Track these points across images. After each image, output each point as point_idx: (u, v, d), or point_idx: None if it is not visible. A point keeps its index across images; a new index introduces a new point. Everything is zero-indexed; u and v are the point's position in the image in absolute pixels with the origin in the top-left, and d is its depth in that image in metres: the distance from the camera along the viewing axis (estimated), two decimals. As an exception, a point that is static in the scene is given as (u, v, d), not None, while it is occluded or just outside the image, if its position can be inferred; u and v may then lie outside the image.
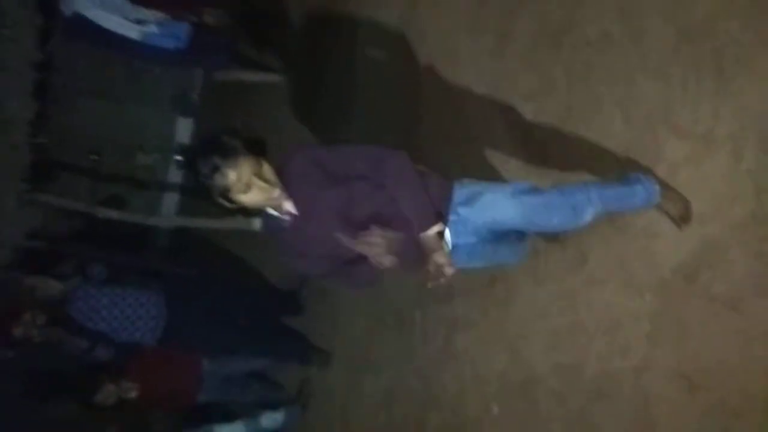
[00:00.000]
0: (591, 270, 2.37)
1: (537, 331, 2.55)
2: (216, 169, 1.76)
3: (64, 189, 4.82)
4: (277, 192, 1.85)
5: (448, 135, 3.03)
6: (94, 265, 3.44)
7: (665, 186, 2.11)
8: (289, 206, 1.92)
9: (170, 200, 5.56)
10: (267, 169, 1.83)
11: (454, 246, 1.98)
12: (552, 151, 2.59)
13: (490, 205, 1.92)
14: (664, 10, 2.25)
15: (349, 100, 3.75)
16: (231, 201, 1.82)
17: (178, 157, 5.45)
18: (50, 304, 3.05)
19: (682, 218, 2.09)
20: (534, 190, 1.96)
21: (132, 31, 3.82)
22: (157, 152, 5.42)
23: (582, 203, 1.95)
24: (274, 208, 1.93)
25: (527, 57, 2.73)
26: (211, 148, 1.80)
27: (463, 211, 1.92)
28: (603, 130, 2.40)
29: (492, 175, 2.71)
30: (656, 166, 2.21)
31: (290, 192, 1.90)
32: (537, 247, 2.56)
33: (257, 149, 1.84)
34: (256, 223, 4.34)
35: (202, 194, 1.85)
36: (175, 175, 5.57)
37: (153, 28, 3.86)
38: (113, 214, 4.65)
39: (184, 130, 5.62)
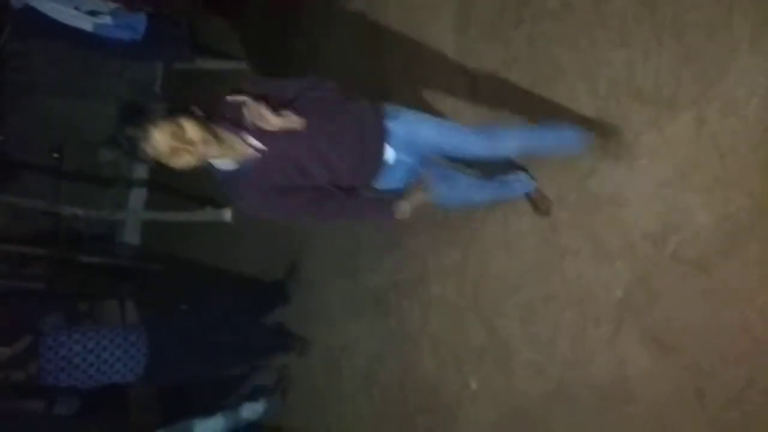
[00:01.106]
0: (562, 240, 2.38)
1: (511, 305, 2.56)
2: (132, 144, 1.72)
3: (25, 188, 4.68)
4: (212, 148, 1.78)
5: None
6: (44, 320, 3.27)
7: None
8: (251, 142, 1.85)
9: (137, 195, 5.45)
10: (190, 128, 1.73)
11: (395, 161, 2.03)
12: (516, 123, 2.58)
13: (412, 122, 2.04)
14: (622, -23, 2.25)
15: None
16: (170, 168, 1.78)
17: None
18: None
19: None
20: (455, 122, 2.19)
21: (85, 23, 3.71)
22: (120, 147, 5.29)
23: (499, 133, 2.17)
24: (232, 157, 1.85)
25: (489, 29, 2.71)
26: (125, 121, 1.77)
27: (389, 124, 2.00)
28: (567, 98, 2.40)
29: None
30: (620, 132, 2.22)
31: (248, 126, 1.85)
32: (507, 220, 2.57)
33: (179, 110, 1.76)
34: (227, 215, 4.28)
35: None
36: (141, 170, 5.46)
37: (107, 20, 3.75)
38: (79, 211, 4.54)
39: (146, 123, 5.50)
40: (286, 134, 1.86)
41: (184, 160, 1.75)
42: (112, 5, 3.77)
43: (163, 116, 1.72)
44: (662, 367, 2.10)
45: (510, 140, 2.15)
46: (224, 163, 1.87)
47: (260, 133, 1.85)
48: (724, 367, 1.97)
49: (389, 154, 2.01)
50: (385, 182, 2.06)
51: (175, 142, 1.72)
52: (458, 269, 2.78)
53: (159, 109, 1.75)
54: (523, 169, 2.45)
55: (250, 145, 1.85)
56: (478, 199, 2.42)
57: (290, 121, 1.86)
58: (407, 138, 2.02)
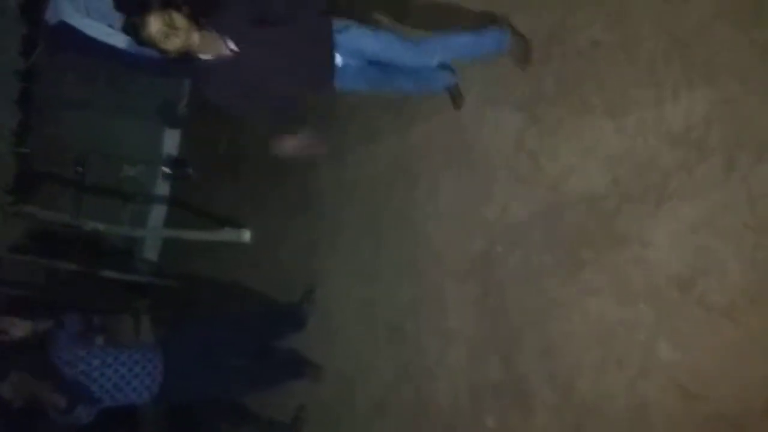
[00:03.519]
0: (585, 278, 2.35)
1: (531, 340, 2.52)
2: (134, 27, 2.23)
3: (48, 201, 4.74)
4: (195, 35, 2.25)
5: (441, 144, 3.01)
6: (68, 315, 3.30)
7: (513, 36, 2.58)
8: (229, 44, 2.31)
9: (157, 212, 5.49)
10: (177, 18, 2.22)
11: (342, 66, 2.49)
12: (542, 162, 2.57)
13: (356, 35, 2.46)
14: (655, 17, 2.25)
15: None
16: (165, 51, 2.25)
17: (166, 169, 5.39)
18: (25, 348, 2.88)
19: (523, 59, 2.61)
20: (395, 34, 2.57)
21: (118, 40, 3.79)
22: (144, 164, 5.35)
23: (431, 48, 2.54)
24: (210, 50, 2.31)
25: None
26: (128, 11, 2.37)
27: (337, 38, 2.44)
28: (595, 138, 2.39)
29: (480, 183, 2.69)
30: (648, 174, 2.20)
31: (229, 32, 2.30)
32: (529, 254, 2.54)
33: (170, 4, 2.24)
34: (246, 235, 4.30)
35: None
36: (162, 187, 5.50)
37: (140, 38, 3.81)
38: (99, 226, 4.58)
39: (171, 141, 5.56)
40: (259, 45, 2.34)
41: (172, 43, 2.22)
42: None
43: (156, 7, 2.21)
44: (685, 413, 2.05)
45: (439, 46, 2.55)
46: (204, 53, 2.33)
47: (239, 38, 2.32)
48: (749, 419, 1.92)
49: (338, 60, 2.47)
50: (340, 81, 2.50)
51: (165, 27, 2.21)
52: (477, 302, 2.75)
53: (156, 2, 2.23)
54: (450, 68, 2.73)
55: (228, 47, 2.32)
56: (405, 86, 2.70)
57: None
58: (353, 48, 2.46)
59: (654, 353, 2.15)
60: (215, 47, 2.32)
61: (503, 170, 2.70)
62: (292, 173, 4.02)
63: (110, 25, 3.89)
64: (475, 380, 2.73)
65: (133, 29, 2.25)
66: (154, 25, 2.21)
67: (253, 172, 4.50)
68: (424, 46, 2.54)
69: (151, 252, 5.54)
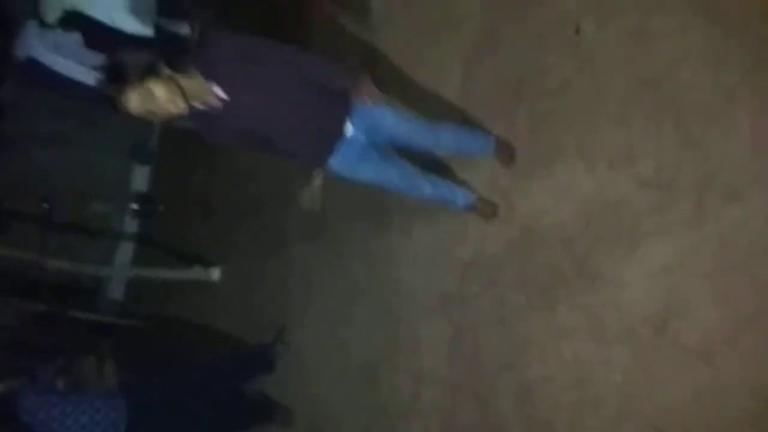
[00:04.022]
0: (559, 320, 2.33)
1: (506, 383, 2.48)
2: (112, 102, 2.01)
3: (12, 238, 4.60)
4: (180, 101, 2.03)
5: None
6: (45, 369, 3.19)
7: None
8: (217, 91, 2.09)
9: (125, 250, 5.37)
10: (160, 91, 2.00)
11: (350, 139, 2.26)
12: (515, 202, 2.57)
13: (378, 109, 2.25)
14: (623, 59, 2.29)
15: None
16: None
17: (134, 206, 5.29)
18: None
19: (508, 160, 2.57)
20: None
21: (87, 77, 3.74)
22: (112, 201, 5.25)
23: (441, 131, 2.45)
24: (200, 101, 2.09)
25: (489, 104, 2.74)
26: (105, 83, 2.06)
27: (356, 106, 2.24)
28: (567, 180, 2.40)
29: (453, 226, 2.68)
30: (620, 215, 2.21)
31: (217, 76, 2.09)
32: (503, 295, 2.52)
33: (144, 73, 1.99)
34: (215, 274, 4.21)
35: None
36: (131, 224, 5.39)
37: (110, 75, 3.78)
38: (65, 264, 4.45)
39: (140, 178, 5.48)
40: (251, 92, 2.13)
41: (158, 119, 2.07)
42: (116, 61, 3.81)
43: (136, 80, 1.98)
44: (663, 457, 2.02)
45: (449, 135, 2.48)
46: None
47: (228, 85, 2.10)
48: (727, 461, 1.90)
49: (349, 129, 2.25)
50: (341, 159, 2.26)
51: (147, 104, 2.01)
52: (452, 344, 2.71)
53: (135, 69, 1.98)
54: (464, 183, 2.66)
55: (216, 96, 2.10)
56: (422, 191, 2.47)
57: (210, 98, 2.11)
58: (367, 117, 2.26)
59: (630, 395, 2.12)
60: (203, 97, 2.10)
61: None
62: (265, 212, 3.97)
63: (79, 61, 3.84)
64: (450, 422, 2.67)
65: (111, 103, 2.04)
66: (134, 106, 2.01)
67: (225, 210, 4.44)
68: (440, 129, 2.44)
69: (117, 291, 5.40)
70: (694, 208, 2.03)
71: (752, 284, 1.90)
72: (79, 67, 3.76)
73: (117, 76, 2.01)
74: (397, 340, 2.96)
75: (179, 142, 4.88)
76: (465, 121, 2.75)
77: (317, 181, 2.28)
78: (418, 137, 2.40)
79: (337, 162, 2.26)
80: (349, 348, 3.19)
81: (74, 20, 3.67)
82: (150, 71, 2.01)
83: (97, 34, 3.69)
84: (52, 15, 3.63)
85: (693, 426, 1.99)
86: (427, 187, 2.45)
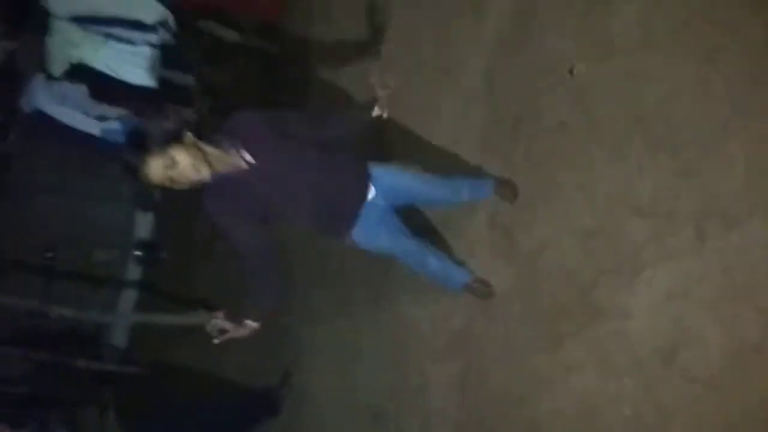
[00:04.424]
0: (567, 353, 2.33)
1: (515, 419, 2.47)
2: (133, 171, 1.99)
3: (15, 285, 4.60)
4: (204, 171, 2.03)
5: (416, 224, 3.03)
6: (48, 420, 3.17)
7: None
8: (245, 156, 2.10)
9: (128, 297, 5.35)
10: (183, 159, 1.99)
11: (370, 203, 2.30)
12: (516, 238, 2.60)
13: (396, 171, 2.39)
14: (617, 98, 2.35)
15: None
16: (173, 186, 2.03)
17: (137, 253, 5.31)
18: None
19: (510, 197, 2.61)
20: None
21: (93, 127, 3.82)
22: (115, 248, 5.27)
23: (459, 183, 2.56)
24: (224, 166, 2.08)
25: (487, 142, 2.80)
26: (128, 152, 2.02)
27: (376, 171, 2.33)
28: (566, 213, 2.44)
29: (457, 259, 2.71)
30: (621, 245, 2.24)
31: (245, 142, 2.10)
32: (510, 328, 2.53)
33: (169, 140, 1.99)
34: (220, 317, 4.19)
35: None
36: (134, 272, 5.39)
37: (114, 124, 3.86)
38: (67, 312, 4.45)
39: (143, 225, 5.50)
40: (275, 158, 2.14)
41: (179, 186, 2.02)
42: (121, 111, 3.89)
43: (158, 147, 1.96)
44: (677, 491, 2.01)
45: (465, 186, 2.56)
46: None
47: (255, 152, 2.11)
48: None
49: (372, 192, 2.31)
50: (363, 226, 2.30)
51: (169, 172, 1.97)
52: (460, 381, 2.70)
53: (158, 136, 1.97)
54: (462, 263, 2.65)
55: (243, 158, 2.10)
56: (428, 266, 2.48)
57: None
58: (389, 183, 2.34)
59: (640, 428, 2.11)
60: (228, 161, 2.09)
61: (479, 245, 2.73)
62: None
63: (85, 113, 3.92)
64: (460, 463, 2.64)
65: (132, 173, 1.99)
66: (156, 174, 1.98)
67: (228, 254, 4.46)
68: (453, 182, 2.54)
69: (120, 338, 5.36)
70: (694, 236, 2.06)
71: (757, 311, 1.91)
72: (85, 117, 3.84)
73: (139, 144, 1.99)
74: (404, 379, 2.95)
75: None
76: (459, 163, 2.82)
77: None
78: (437, 192, 2.49)
79: (357, 228, 2.30)
80: (356, 388, 3.18)
81: (80, 72, 3.77)
82: (173, 138, 2.00)
83: (102, 86, 3.79)
84: (58, 68, 3.72)
85: (705, 458, 1.98)
86: (433, 261, 2.47)
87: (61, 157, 4.85)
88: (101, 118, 3.86)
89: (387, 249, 2.39)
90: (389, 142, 3.16)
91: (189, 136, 2.03)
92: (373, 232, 2.33)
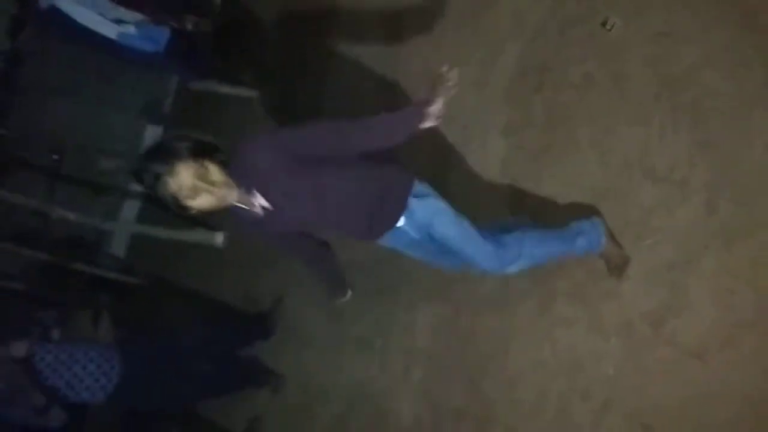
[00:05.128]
0: (558, 309, 2.34)
1: (499, 367, 2.50)
2: (157, 178, 1.74)
3: (20, 185, 4.62)
4: (233, 192, 1.83)
5: (424, 164, 3.00)
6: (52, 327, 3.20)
7: (610, 238, 2.20)
8: (259, 200, 1.89)
9: (130, 207, 5.39)
10: (214, 171, 1.77)
11: (401, 230, 2.05)
12: (526, 188, 2.58)
13: (435, 209, 2.00)
14: (647, 58, 2.29)
15: (323, 113, 3.71)
16: (184, 209, 1.79)
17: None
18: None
19: (619, 270, 2.18)
20: (474, 226, 2.04)
21: (109, 30, 3.74)
22: (122, 158, 5.26)
23: (511, 257, 2.07)
24: (243, 204, 1.89)
25: (509, 91, 2.74)
26: (150, 157, 1.78)
27: (412, 202, 1.98)
28: (579, 170, 2.40)
29: (462, 207, 2.68)
30: (629, 208, 2.22)
31: (258, 185, 1.87)
32: (507, 280, 2.53)
33: (205, 151, 1.78)
34: (219, 238, 4.23)
35: (162, 207, 1.82)
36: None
37: (131, 29, 3.78)
38: (69, 215, 4.47)
39: (151, 138, 5.48)
40: (295, 198, 1.89)
41: (203, 200, 1.78)
42: (138, 16, 3.81)
43: (189, 155, 1.75)
44: (647, 452, 2.05)
45: (522, 257, 2.08)
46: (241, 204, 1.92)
47: (268, 195, 1.88)
48: (710, 460, 1.92)
49: (401, 222, 2.03)
50: (389, 240, 2.11)
51: (198, 181, 1.75)
52: (448, 324, 2.73)
53: (184, 147, 1.75)
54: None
55: (259, 204, 1.90)
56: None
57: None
58: (424, 222, 2.01)
59: (620, 388, 2.14)
60: (247, 201, 1.89)
61: (486, 195, 2.70)
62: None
63: (102, 14, 3.83)
64: (439, 402, 2.69)
65: (152, 179, 1.74)
66: (185, 178, 1.72)
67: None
68: (506, 251, 2.05)
69: (119, 247, 5.43)
70: (703, 208, 2.04)
71: (754, 290, 1.91)
72: (102, 19, 3.76)
73: (166, 152, 1.76)
74: (393, 317, 2.98)
75: (192, 104, 4.89)
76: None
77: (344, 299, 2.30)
78: (481, 255, 2.04)
79: (384, 240, 2.12)
80: (344, 320, 3.21)
81: (99, -29, 3.67)
82: (209, 150, 1.78)
83: (123, -13, 3.69)
84: (78, -35, 3.62)
85: (680, 425, 2.00)
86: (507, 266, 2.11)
87: (74, 59, 4.79)
88: (118, 22, 3.77)
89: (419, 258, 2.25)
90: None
91: (221, 154, 1.82)
92: (402, 248, 2.16)
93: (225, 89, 4.43)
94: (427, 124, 1.82)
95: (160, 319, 4.50)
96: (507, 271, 2.11)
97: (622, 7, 2.38)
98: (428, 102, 1.80)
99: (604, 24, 2.41)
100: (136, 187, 5.36)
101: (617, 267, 2.18)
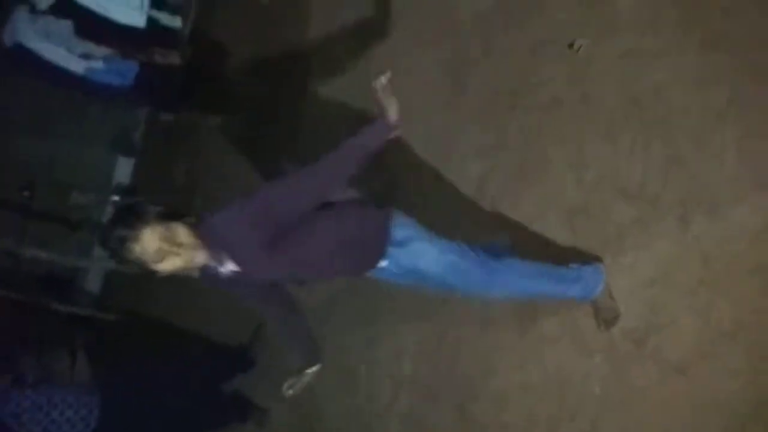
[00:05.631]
0: (542, 329, 2.35)
1: (486, 390, 2.50)
2: (121, 242, 1.70)
3: (-10, 225, 4.52)
4: (201, 254, 1.78)
5: (402, 188, 3.01)
6: (27, 371, 3.14)
7: (607, 290, 2.15)
8: (229, 266, 1.84)
9: (104, 242, 5.29)
10: (182, 233, 1.74)
11: (383, 269, 1.96)
12: (503, 208, 2.59)
13: (418, 253, 1.93)
14: (615, 77, 2.33)
15: (296, 144, 3.71)
16: (152, 273, 1.74)
17: (116, 198, 5.23)
18: None
19: (607, 324, 2.17)
20: (461, 253, 1.98)
21: (77, 65, 3.72)
22: (94, 192, 5.18)
23: (500, 283, 2.02)
24: (213, 263, 1.84)
25: (482, 113, 2.77)
26: (115, 222, 1.75)
27: (393, 251, 1.92)
28: (553, 189, 2.43)
29: (442, 229, 2.69)
30: (605, 226, 2.24)
31: (228, 254, 1.82)
32: (488, 305, 2.54)
33: (172, 214, 1.76)
34: (196, 271, 4.17)
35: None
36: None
37: (99, 64, 3.77)
38: (42, 254, 4.39)
39: (123, 170, 5.41)
40: (266, 263, 1.83)
41: (171, 263, 1.73)
42: (106, 50, 3.79)
43: (156, 219, 1.72)
44: (637, 469, 2.05)
45: (511, 285, 2.05)
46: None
47: (238, 263, 1.83)
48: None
49: (383, 263, 1.94)
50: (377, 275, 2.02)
51: (165, 244, 1.70)
52: (433, 348, 2.72)
53: (152, 211, 1.73)
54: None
55: (229, 269, 1.85)
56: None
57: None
58: (407, 267, 1.94)
59: (608, 406, 2.15)
60: (214, 262, 1.84)
61: (465, 216, 2.71)
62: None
63: (68, 49, 3.80)
64: (428, 429, 2.68)
65: (117, 243, 1.69)
66: (150, 242, 1.68)
67: (208, 204, 4.41)
68: (494, 277, 2.00)
69: (93, 283, 5.33)
70: (677, 223, 2.07)
71: (731, 301, 1.94)
72: (69, 54, 3.73)
73: (131, 216, 1.73)
74: (378, 343, 2.96)
75: (164, 134, 4.85)
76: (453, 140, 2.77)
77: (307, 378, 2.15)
78: (473, 285, 2.01)
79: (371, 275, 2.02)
80: (328, 348, 3.18)
81: (66, 8, 3.65)
82: (174, 215, 1.76)
83: (88, 23, 3.67)
84: (44, 2, 3.59)
85: (667, 440, 2.02)
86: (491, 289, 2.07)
87: (42, 94, 4.73)
88: (86, 57, 3.76)
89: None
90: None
91: (189, 218, 1.79)
92: (392, 279, 2.04)
93: (198, 118, 4.42)
94: (390, 135, 1.82)
95: (138, 355, 4.40)
96: (491, 295, 2.11)
97: (590, 29, 2.43)
98: (381, 115, 1.80)
99: (571, 45, 2.46)
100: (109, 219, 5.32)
101: (605, 321, 2.16)
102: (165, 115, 4.56)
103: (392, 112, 1.80)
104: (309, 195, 1.81)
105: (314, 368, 2.14)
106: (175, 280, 4.21)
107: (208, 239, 1.79)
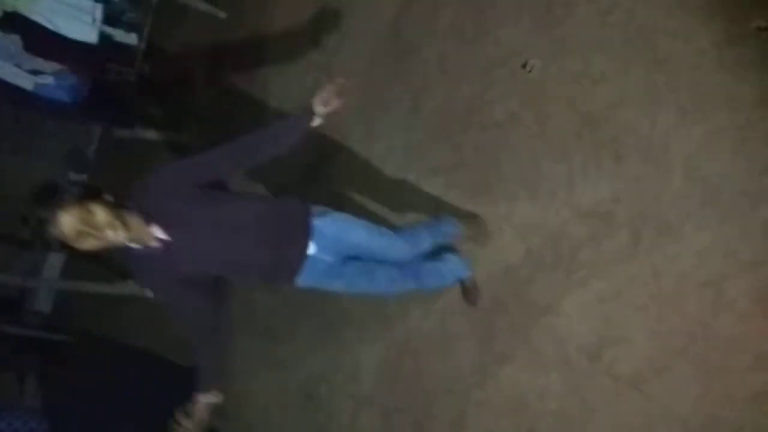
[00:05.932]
0: (498, 346, 2.37)
1: (443, 408, 2.49)
2: (41, 222, 1.73)
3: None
4: (121, 233, 1.78)
5: (352, 207, 3.00)
6: None
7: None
8: (156, 232, 1.85)
9: (55, 261, 5.14)
10: (99, 213, 1.74)
11: (312, 257, 2.01)
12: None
13: (339, 220, 2.05)
14: (567, 98, 2.37)
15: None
16: (73, 250, 1.76)
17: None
18: None
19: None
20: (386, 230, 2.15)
21: (25, 81, 3.61)
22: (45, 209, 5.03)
23: (422, 240, 2.23)
24: (137, 242, 1.84)
25: (438, 132, 2.78)
26: (35, 202, 1.83)
27: (316, 223, 2.00)
28: (509, 207, 2.45)
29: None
30: (559, 244, 2.28)
31: (156, 215, 1.84)
32: (444, 321, 2.54)
33: (90, 195, 1.77)
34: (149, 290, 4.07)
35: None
36: (62, 235, 5.16)
37: (48, 80, 3.66)
38: (-12, 275, 4.23)
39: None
40: (194, 228, 1.87)
41: (89, 244, 1.74)
42: (56, 66, 3.69)
43: (74, 199, 1.73)
44: (594, 485, 2.07)
45: (425, 238, 2.25)
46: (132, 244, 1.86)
47: (167, 225, 1.85)
48: (654, 489, 1.96)
49: (312, 249, 2.00)
50: (308, 277, 2.03)
51: (82, 225, 1.72)
52: (391, 367, 2.70)
53: (73, 190, 1.74)
54: (455, 251, 2.45)
55: (156, 237, 1.86)
56: (401, 290, 2.25)
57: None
58: (334, 238, 2.02)
59: (564, 423, 2.17)
60: (144, 238, 1.85)
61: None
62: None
63: (17, 65, 3.70)
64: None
65: (37, 224, 1.80)
66: (67, 224, 1.70)
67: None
68: (416, 237, 2.21)
69: (44, 304, 5.16)
70: (629, 240, 2.11)
71: (683, 316, 1.98)
72: (18, 70, 3.63)
73: (51, 195, 1.77)
74: (337, 362, 2.93)
75: (117, 150, 4.74)
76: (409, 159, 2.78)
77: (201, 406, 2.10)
78: (394, 248, 2.14)
79: (301, 278, 2.03)
80: (287, 370, 3.14)
81: (14, 22, 3.54)
82: (92, 194, 1.78)
83: (38, 38, 3.57)
84: (-9, 16, 3.49)
85: (623, 454, 2.05)
86: (410, 282, 2.22)
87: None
88: (35, 72, 3.65)
89: (343, 293, 2.18)
90: (330, 137, 3.11)
91: (109, 197, 1.81)
92: (321, 281, 2.07)
93: (152, 135, 4.34)
94: (313, 122, 1.90)
95: (90, 377, 4.27)
96: (420, 248, 2.22)
97: (541, 50, 2.47)
98: (310, 103, 1.89)
99: (524, 66, 2.50)
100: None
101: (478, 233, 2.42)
102: (119, 131, 4.46)
103: (319, 107, 1.88)
104: (224, 161, 1.90)
105: (215, 400, 2.10)
106: (129, 300, 4.11)
107: (138, 199, 1.83)
